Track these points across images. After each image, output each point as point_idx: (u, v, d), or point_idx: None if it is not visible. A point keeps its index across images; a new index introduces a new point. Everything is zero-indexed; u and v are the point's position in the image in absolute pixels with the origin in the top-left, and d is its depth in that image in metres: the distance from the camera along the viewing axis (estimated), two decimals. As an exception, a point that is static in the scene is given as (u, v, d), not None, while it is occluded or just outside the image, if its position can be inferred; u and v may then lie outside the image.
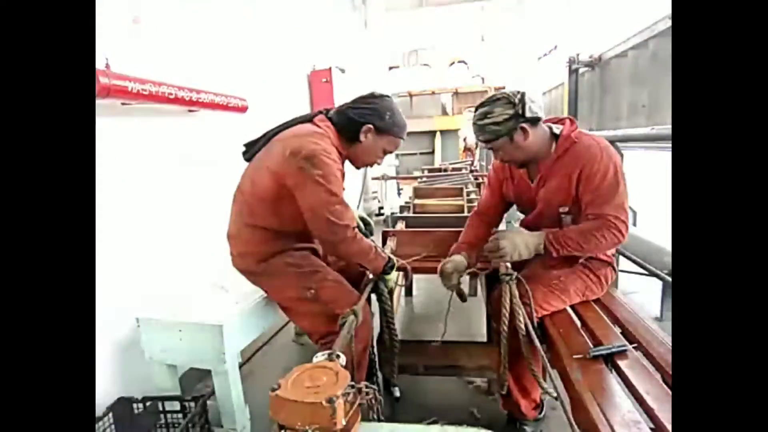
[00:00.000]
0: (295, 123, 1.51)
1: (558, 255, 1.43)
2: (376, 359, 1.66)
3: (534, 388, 1.58)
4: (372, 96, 1.51)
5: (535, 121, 1.42)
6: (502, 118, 1.40)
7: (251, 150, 1.54)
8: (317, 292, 1.47)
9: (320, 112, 1.53)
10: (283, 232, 1.50)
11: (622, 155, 2.12)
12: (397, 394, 1.66)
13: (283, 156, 1.35)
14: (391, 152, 1.58)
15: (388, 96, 1.53)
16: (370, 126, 1.47)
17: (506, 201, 1.74)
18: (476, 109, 1.48)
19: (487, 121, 1.43)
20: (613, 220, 1.37)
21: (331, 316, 1.42)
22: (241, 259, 1.55)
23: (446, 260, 1.62)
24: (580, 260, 1.55)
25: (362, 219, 1.93)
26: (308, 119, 1.51)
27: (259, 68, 2.94)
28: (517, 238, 1.44)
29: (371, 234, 1.96)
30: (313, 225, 1.39)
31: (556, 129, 1.51)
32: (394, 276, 1.63)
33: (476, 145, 10.60)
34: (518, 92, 1.41)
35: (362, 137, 1.48)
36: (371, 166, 1.62)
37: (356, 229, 1.43)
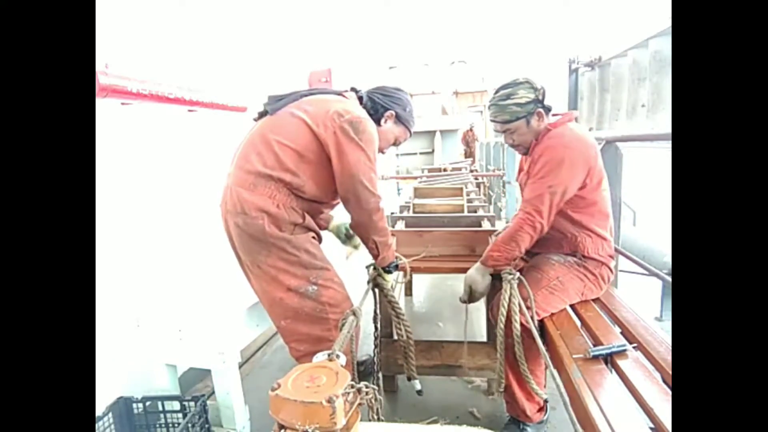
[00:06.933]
0: (324, 92, 1.49)
1: (497, 266, 1.49)
2: (376, 359, 1.66)
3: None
4: (395, 88, 1.58)
5: (548, 110, 1.51)
6: (524, 100, 1.47)
7: (276, 104, 1.44)
8: (320, 290, 1.38)
9: (352, 90, 1.55)
10: (304, 198, 1.40)
11: (621, 155, 2.12)
12: (419, 387, 1.56)
13: (325, 114, 1.35)
14: (399, 144, 1.63)
15: (405, 91, 1.61)
16: (393, 113, 1.54)
17: None
18: (497, 91, 1.52)
19: (509, 101, 1.48)
20: (531, 212, 1.42)
21: (318, 323, 1.38)
22: (254, 218, 1.34)
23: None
24: (575, 260, 1.55)
25: (347, 228, 1.76)
26: (337, 93, 1.51)
27: (259, 68, 2.93)
28: (468, 275, 1.56)
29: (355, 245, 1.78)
30: (347, 188, 1.36)
31: (554, 119, 1.56)
32: (392, 277, 1.62)
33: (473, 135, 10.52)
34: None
35: (383, 122, 1.54)
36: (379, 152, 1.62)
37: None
